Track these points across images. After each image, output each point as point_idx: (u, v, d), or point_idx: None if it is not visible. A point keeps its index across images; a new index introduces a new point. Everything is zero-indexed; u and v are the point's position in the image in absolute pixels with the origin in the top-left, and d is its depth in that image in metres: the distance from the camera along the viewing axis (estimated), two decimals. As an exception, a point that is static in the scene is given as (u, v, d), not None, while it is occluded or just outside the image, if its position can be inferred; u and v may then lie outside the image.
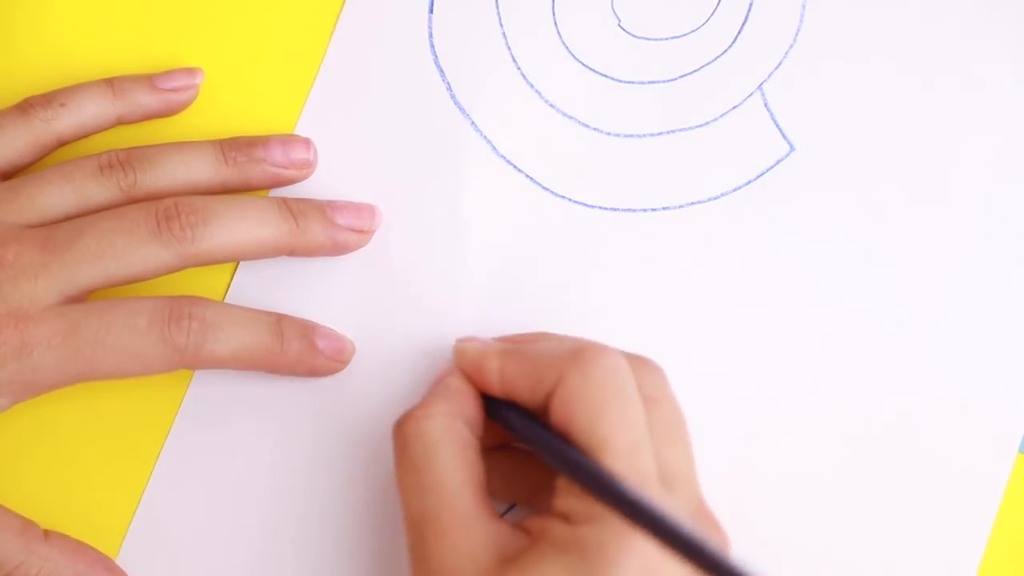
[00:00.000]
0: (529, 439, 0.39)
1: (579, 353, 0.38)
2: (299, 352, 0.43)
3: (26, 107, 0.44)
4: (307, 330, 0.43)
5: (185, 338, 0.41)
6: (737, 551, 0.39)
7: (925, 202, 0.45)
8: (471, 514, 0.37)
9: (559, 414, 0.38)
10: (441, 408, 0.39)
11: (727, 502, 0.44)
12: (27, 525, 0.41)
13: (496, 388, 0.40)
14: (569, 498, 0.37)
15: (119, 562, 0.43)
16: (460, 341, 0.41)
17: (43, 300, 0.40)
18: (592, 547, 0.36)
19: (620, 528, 0.36)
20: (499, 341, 0.42)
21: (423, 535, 0.38)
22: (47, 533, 0.42)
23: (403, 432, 0.39)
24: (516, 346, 0.41)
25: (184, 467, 0.43)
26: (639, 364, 0.40)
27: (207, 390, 0.44)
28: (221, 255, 0.42)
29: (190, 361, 0.41)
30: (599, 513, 0.36)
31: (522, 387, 0.39)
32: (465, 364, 0.41)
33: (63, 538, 0.42)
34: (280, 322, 0.42)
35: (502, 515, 0.39)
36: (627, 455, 0.37)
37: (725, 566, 0.33)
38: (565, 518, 0.37)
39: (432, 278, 0.45)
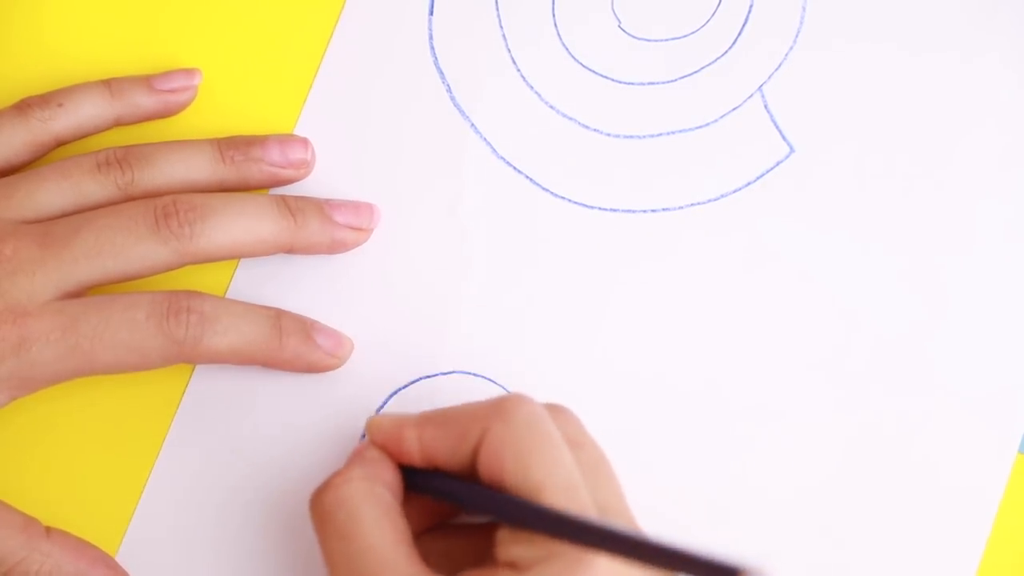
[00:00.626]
0: (464, 498, 0.39)
1: (499, 404, 0.38)
2: (297, 347, 0.42)
3: (24, 107, 0.44)
4: (306, 326, 0.43)
5: (184, 331, 0.41)
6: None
7: (924, 203, 0.46)
8: (408, 572, 0.37)
9: (489, 466, 0.38)
10: (357, 473, 0.39)
11: (726, 502, 0.44)
12: (29, 522, 0.41)
13: (417, 457, 0.39)
14: (512, 547, 0.37)
15: (119, 559, 0.43)
16: (372, 418, 0.41)
17: (41, 296, 0.40)
18: None
19: (569, 562, 0.36)
20: (415, 413, 0.41)
21: None
22: (49, 530, 0.42)
23: (322, 502, 0.38)
24: (431, 412, 0.40)
25: (184, 464, 0.43)
26: (556, 412, 0.40)
27: (207, 387, 0.44)
28: (219, 252, 0.42)
29: (188, 354, 0.41)
30: (545, 554, 0.36)
31: (443, 450, 0.39)
32: (381, 438, 0.40)
33: (64, 535, 0.42)
34: (279, 317, 0.42)
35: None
36: (565, 494, 0.37)
37: (695, 556, 0.33)
38: (512, 567, 0.37)
39: (432, 278, 0.45)
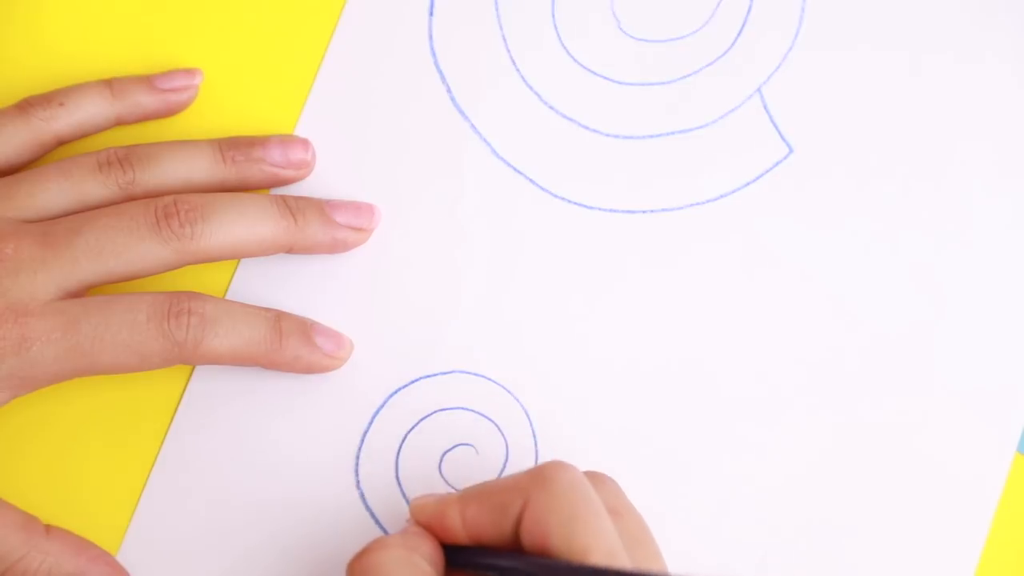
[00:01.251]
0: (513, 567, 0.38)
1: (539, 472, 0.38)
2: (297, 349, 0.43)
3: (25, 106, 0.44)
4: (305, 327, 0.43)
5: (184, 333, 0.41)
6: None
7: (923, 203, 0.46)
8: None
9: (532, 535, 0.37)
10: (397, 541, 0.38)
11: (726, 500, 0.44)
12: (29, 520, 0.41)
13: (461, 535, 0.39)
14: None
15: (119, 558, 0.43)
16: (414, 500, 0.40)
17: (42, 295, 0.40)
18: None
19: None
20: (455, 492, 0.40)
21: None
22: (48, 528, 0.42)
23: (360, 565, 0.38)
24: (471, 488, 0.39)
25: (184, 463, 0.43)
26: (596, 480, 0.39)
27: (207, 385, 0.44)
28: (220, 252, 0.42)
29: (188, 356, 0.41)
30: None
31: (487, 524, 0.38)
32: (425, 519, 0.39)
33: (64, 533, 0.42)
34: (279, 319, 0.43)
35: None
36: (610, 559, 0.37)
37: None
38: None
39: (431, 278, 0.45)
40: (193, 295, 0.41)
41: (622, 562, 0.37)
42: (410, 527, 0.39)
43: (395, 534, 0.39)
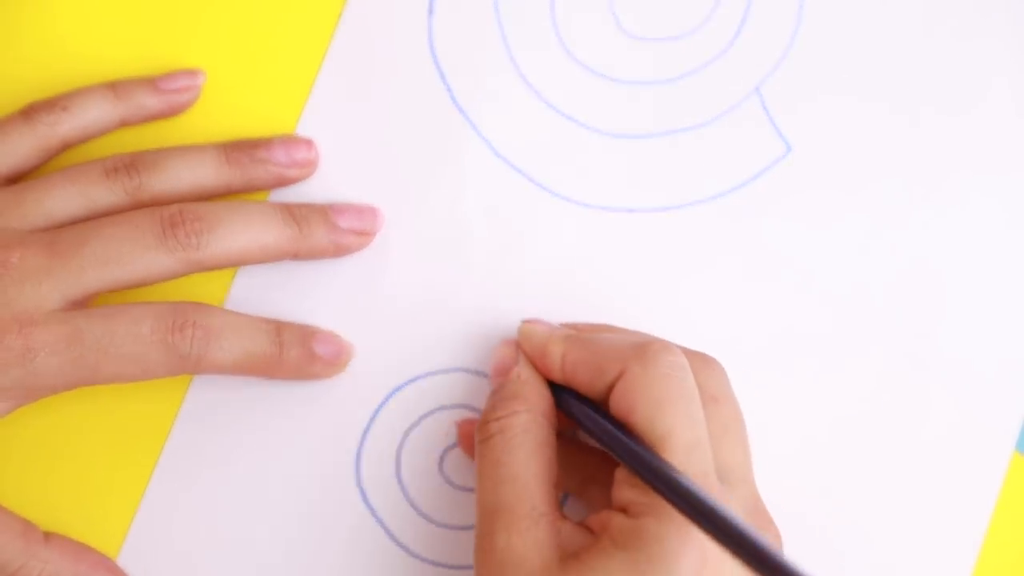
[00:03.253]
0: (591, 428, 0.39)
1: (643, 348, 0.39)
2: (298, 360, 0.43)
3: (30, 112, 0.44)
4: (306, 337, 0.43)
5: (188, 346, 0.41)
6: (790, 550, 0.39)
7: (922, 202, 0.46)
8: (540, 509, 0.38)
9: (620, 406, 0.39)
10: (522, 405, 0.40)
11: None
12: (28, 528, 0.42)
13: (557, 374, 0.41)
14: (629, 490, 0.38)
15: (119, 563, 0.43)
16: (526, 322, 0.43)
17: (47, 304, 0.40)
18: (651, 540, 0.36)
19: (680, 521, 0.36)
20: (564, 327, 0.43)
21: (492, 525, 0.38)
22: (48, 535, 0.42)
23: (487, 428, 0.40)
24: (579, 334, 0.41)
25: (184, 469, 0.44)
26: (701, 362, 0.41)
27: (207, 392, 0.44)
28: (226, 261, 0.42)
29: (192, 368, 0.41)
30: (659, 506, 0.37)
31: (583, 375, 0.40)
32: (528, 347, 0.42)
33: (64, 540, 0.42)
34: (280, 331, 0.43)
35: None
36: (687, 451, 0.37)
37: (778, 564, 0.33)
38: (625, 510, 0.38)
39: (432, 278, 0.45)
40: (197, 307, 0.42)
41: (702, 457, 0.38)
42: (522, 373, 0.41)
43: (514, 393, 0.40)
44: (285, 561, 0.43)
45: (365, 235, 0.45)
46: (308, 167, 0.45)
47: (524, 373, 0.41)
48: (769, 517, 0.40)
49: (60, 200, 0.42)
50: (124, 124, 0.45)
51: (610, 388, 0.39)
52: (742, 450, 0.40)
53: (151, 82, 0.45)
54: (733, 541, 0.34)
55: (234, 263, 0.43)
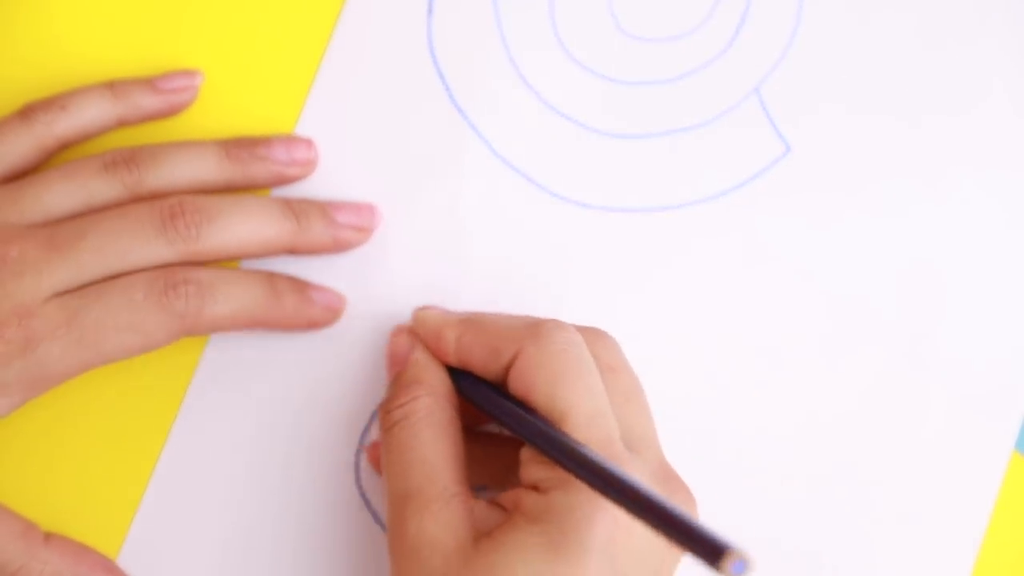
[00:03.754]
0: (491, 410, 0.40)
1: (536, 326, 0.39)
2: (295, 304, 0.43)
3: (27, 112, 0.44)
4: (300, 283, 0.44)
5: (184, 303, 0.41)
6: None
7: (921, 202, 0.46)
8: (452, 489, 0.38)
9: (518, 386, 0.39)
10: (423, 390, 0.40)
11: (723, 498, 0.44)
12: (28, 527, 0.42)
13: (452, 358, 0.41)
14: (537, 468, 0.38)
15: (120, 562, 0.43)
16: (419, 309, 0.43)
17: (46, 296, 0.40)
18: (562, 512, 0.37)
19: (588, 492, 0.36)
20: (458, 312, 0.43)
21: (403, 511, 0.38)
22: (48, 536, 0.42)
23: (390, 416, 0.40)
24: (473, 316, 0.42)
25: (184, 465, 0.44)
26: (594, 336, 0.41)
27: (208, 386, 0.44)
28: (225, 253, 0.42)
29: (190, 326, 0.41)
30: (566, 479, 0.37)
31: (478, 357, 0.40)
32: (423, 332, 0.42)
33: (64, 540, 0.42)
34: (272, 278, 0.43)
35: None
36: (589, 421, 0.38)
37: (683, 524, 0.33)
38: (535, 488, 0.38)
39: (431, 278, 0.45)
40: (186, 267, 0.42)
41: (605, 426, 0.38)
42: (419, 357, 0.41)
43: (413, 378, 0.40)
44: (285, 561, 0.43)
45: (363, 231, 0.45)
46: (308, 166, 0.45)
47: (421, 358, 0.41)
48: (680, 481, 0.39)
49: (58, 195, 0.42)
50: (122, 124, 0.45)
51: (507, 369, 0.39)
52: (645, 417, 0.40)
53: (149, 82, 0.45)
54: (638, 506, 0.34)
55: (233, 256, 0.43)
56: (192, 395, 0.44)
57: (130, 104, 0.45)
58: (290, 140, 0.45)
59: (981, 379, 0.45)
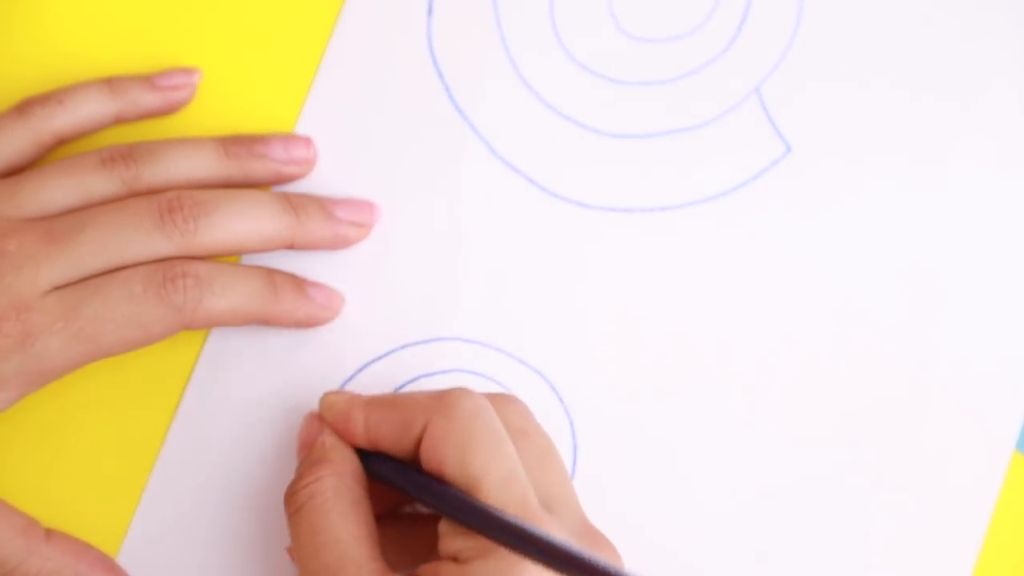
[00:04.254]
0: (403, 485, 0.39)
1: (442, 397, 0.39)
2: (294, 300, 0.43)
3: (24, 107, 0.44)
4: (297, 280, 0.44)
5: (182, 296, 0.41)
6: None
7: (922, 202, 0.46)
8: (367, 567, 0.38)
9: (430, 459, 0.38)
10: (328, 470, 0.39)
11: (724, 498, 0.44)
12: (29, 524, 0.41)
13: (361, 439, 0.40)
14: (455, 539, 0.38)
15: (120, 560, 0.43)
16: (327, 394, 0.42)
17: (44, 290, 0.40)
18: None
19: (509, 559, 0.36)
20: (365, 395, 0.42)
21: None
22: (49, 532, 0.42)
23: (296, 498, 0.39)
24: (381, 396, 0.41)
25: (184, 463, 0.43)
26: (503, 401, 0.40)
27: (207, 385, 0.44)
28: (223, 247, 0.42)
29: (189, 319, 0.41)
30: (486, 548, 0.37)
31: (388, 436, 0.40)
32: (331, 416, 0.41)
33: (64, 537, 0.42)
34: (271, 273, 0.43)
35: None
36: (503, 486, 0.37)
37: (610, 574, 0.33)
38: (454, 559, 0.37)
39: (430, 278, 0.45)
40: (185, 260, 0.42)
41: (519, 490, 0.37)
42: (327, 440, 0.40)
43: (320, 459, 0.40)
44: (286, 557, 0.43)
45: (362, 227, 0.44)
46: (306, 165, 0.45)
47: (328, 440, 0.41)
48: (604, 537, 0.39)
49: (56, 190, 0.42)
50: (119, 120, 0.45)
51: (417, 443, 0.39)
52: (560, 477, 0.40)
53: (147, 79, 0.45)
54: (562, 562, 0.34)
55: (231, 250, 0.42)
56: (192, 390, 0.44)
57: (128, 100, 0.45)
58: (289, 138, 0.45)
59: (982, 379, 0.45)
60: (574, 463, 0.44)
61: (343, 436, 0.41)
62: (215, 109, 0.46)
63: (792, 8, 0.47)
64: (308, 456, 0.41)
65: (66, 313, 0.40)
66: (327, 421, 0.41)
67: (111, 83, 0.45)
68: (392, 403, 0.40)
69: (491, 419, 0.39)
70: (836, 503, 0.44)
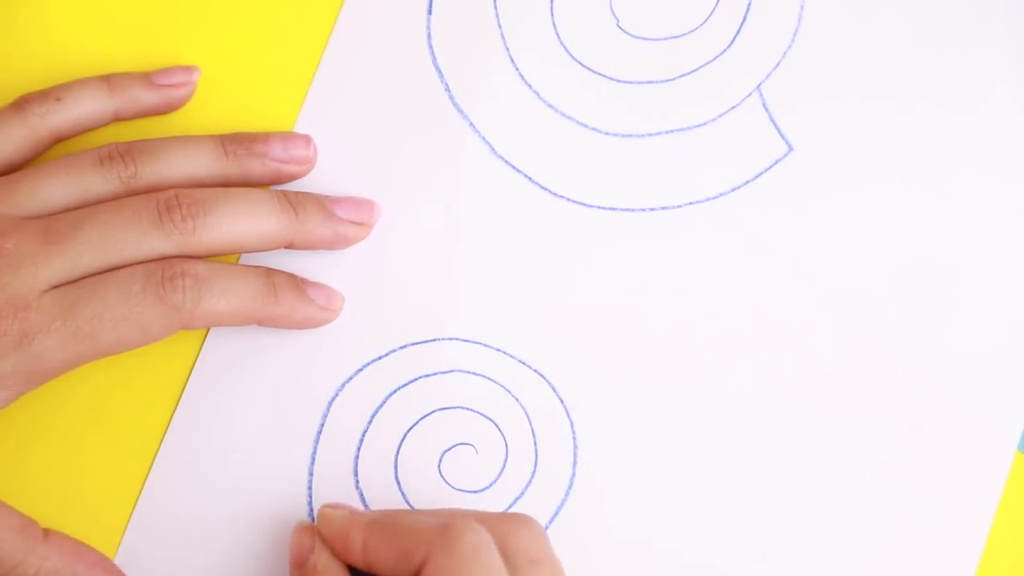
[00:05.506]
0: None
1: (445, 530, 0.38)
2: (293, 301, 0.43)
3: (22, 103, 0.44)
4: (297, 281, 0.43)
5: (181, 296, 0.41)
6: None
7: (924, 202, 0.46)
8: None
9: None
10: None
11: (724, 498, 0.44)
12: (27, 524, 0.41)
13: (359, 561, 0.40)
14: None
15: (117, 561, 0.43)
16: (325, 506, 0.41)
17: (42, 289, 0.40)
18: None
19: None
20: (366, 513, 0.41)
21: None
22: (47, 532, 0.41)
23: None
24: (382, 517, 0.40)
25: (183, 463, 0.43)
26: (516, 525, 0.40)
27: (206, 385, 0.44)
28: (222, 246, 0.42)
29: (187, 319, 0.41)
30: None
31: (386, 562, 0.39)
32: (328, 532, 0.40)
33: (62, 537, 0.42)
34: (271, 274, 0.43)
35: None
36: None
37: None
38: None
39: (430, 277, 0.45)
40: (184, 259, 0.41)
41: None
42: (320, 561, 0.40)
43: (309, 574, 0.40)
44: (284, 557, 0.43)
45: (362, 226, 0.44)
46: (305, 164, 0.45)
47: (322, 561, 0.40)
48: None
49: (54, 188, 0.42)
50: (117, 118, 0.45)
51: (417, 573, 0.38)
52: None
53: (146, 76, 0.45)
54: None
55: (230, 248, 0.42)
56: (190, 391, 0.44)
57: (126, 98, 0.44)
58: (288, 137, 0.45)
59: (984, 379, 0.45)
60: (574, 463, 0.44)
61: (339, 555, 0.40)
62: (214, 107, 0.46)
63: (793, 7, 0.46)
64: (296, 570, 0.40)
65: (64, 312, 0.40)
66: (323, 536, 0.41)
67: (110, 80, 0.44)
68: (393, 529, 0.39)
69: (492, 559, 0.38)
70: (838, 503, 0.44)
